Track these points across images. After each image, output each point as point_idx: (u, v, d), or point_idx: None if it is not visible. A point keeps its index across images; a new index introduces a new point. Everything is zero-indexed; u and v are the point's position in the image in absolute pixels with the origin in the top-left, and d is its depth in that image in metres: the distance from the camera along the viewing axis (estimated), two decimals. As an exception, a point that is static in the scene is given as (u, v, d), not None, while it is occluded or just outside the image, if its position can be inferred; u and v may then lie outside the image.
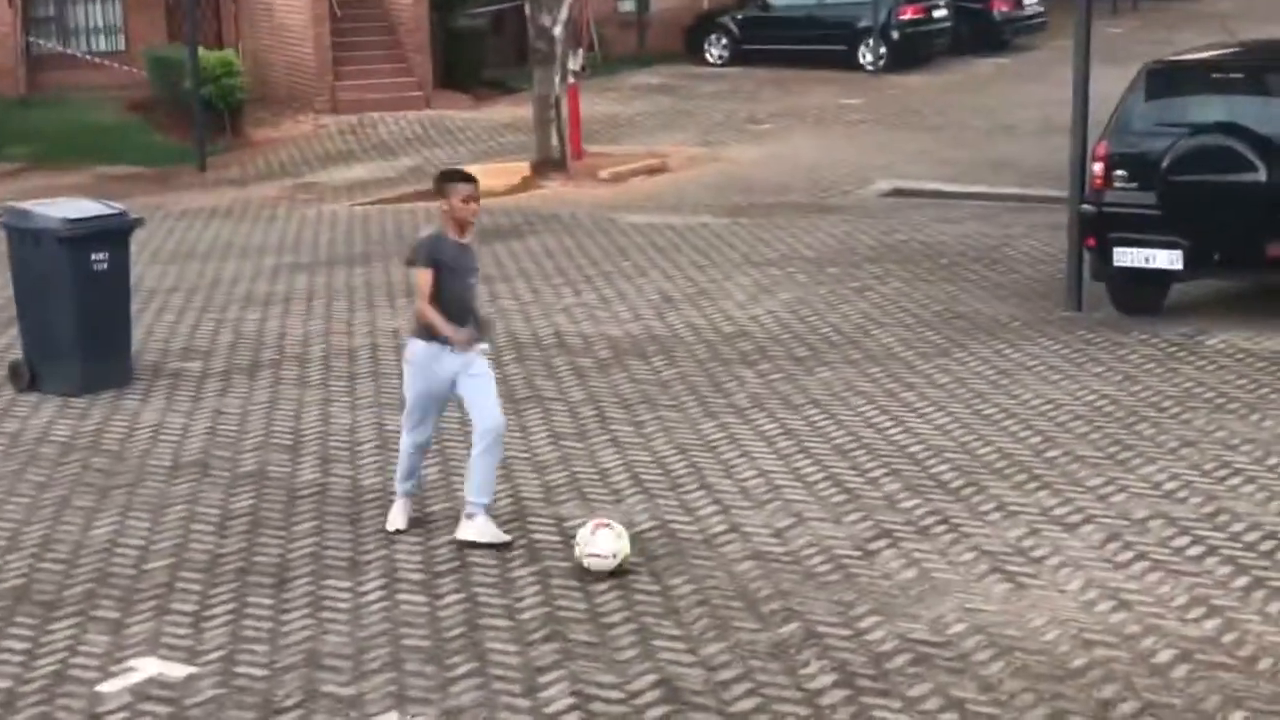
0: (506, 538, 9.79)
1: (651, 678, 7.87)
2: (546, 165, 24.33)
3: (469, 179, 10.14)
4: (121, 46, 31.49)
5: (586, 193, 23.12)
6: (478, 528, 9.73)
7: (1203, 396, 12.33)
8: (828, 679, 7.80)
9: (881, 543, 9.58)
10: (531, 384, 13.25)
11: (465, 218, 9.93)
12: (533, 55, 25.19)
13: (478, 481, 9.78)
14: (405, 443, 10.14)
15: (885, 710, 7.48)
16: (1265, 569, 9.06)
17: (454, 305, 9.81)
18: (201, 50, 27.15)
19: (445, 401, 10.20)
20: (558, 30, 24.42)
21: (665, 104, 31.38)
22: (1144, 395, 12.47)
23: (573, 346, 14.45)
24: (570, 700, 7.69)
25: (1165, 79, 14.87)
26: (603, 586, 9.04)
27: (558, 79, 24.52)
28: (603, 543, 9.18)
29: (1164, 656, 7.96)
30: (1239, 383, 12.69)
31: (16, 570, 9.51)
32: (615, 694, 7.72)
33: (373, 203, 23.34)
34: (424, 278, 9.70)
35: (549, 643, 8.36)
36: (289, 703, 7.70)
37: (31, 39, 30.71)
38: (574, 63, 25.27)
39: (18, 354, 13.62)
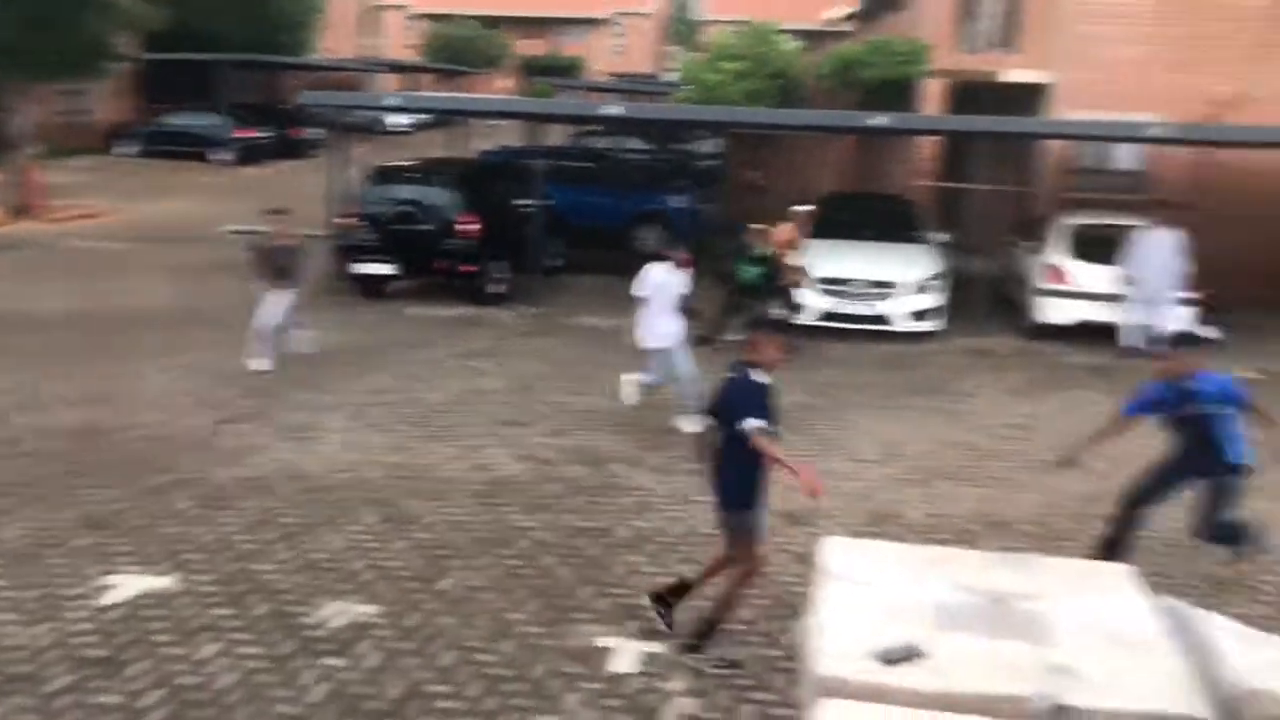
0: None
1: (76, 513, 7.46)
2: (17, 210, 21.65)
3: None
4: None
5: (47, 228, 20.63)
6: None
7: (406, 341, 12.53)
8: (189, 504, 7.66)
9: (225, 426, 9.30)
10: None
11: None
12: (5, 145, 22.33)
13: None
14: None
15: (226, 513, 7.50)
16: (426, 426, 9.48)
17: None
18: None
19: None
20: (16, 131, 21.88)
21: (96, 178, 28.41)
22: (381, 336, 12.60)
23: (36, 317, 13.04)
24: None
25: (382, 174, 15.16)
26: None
27: (21, 159, 21.96)
28: None
29: (375, 474, 8.37)
30: (418, 331, 12.98)
31: None
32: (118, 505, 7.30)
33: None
34: None
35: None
36: None
37: None
38: (32, 149, 22.64)
39: None
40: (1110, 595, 4.33)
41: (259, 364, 10.96)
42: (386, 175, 15.19)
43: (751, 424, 5.36)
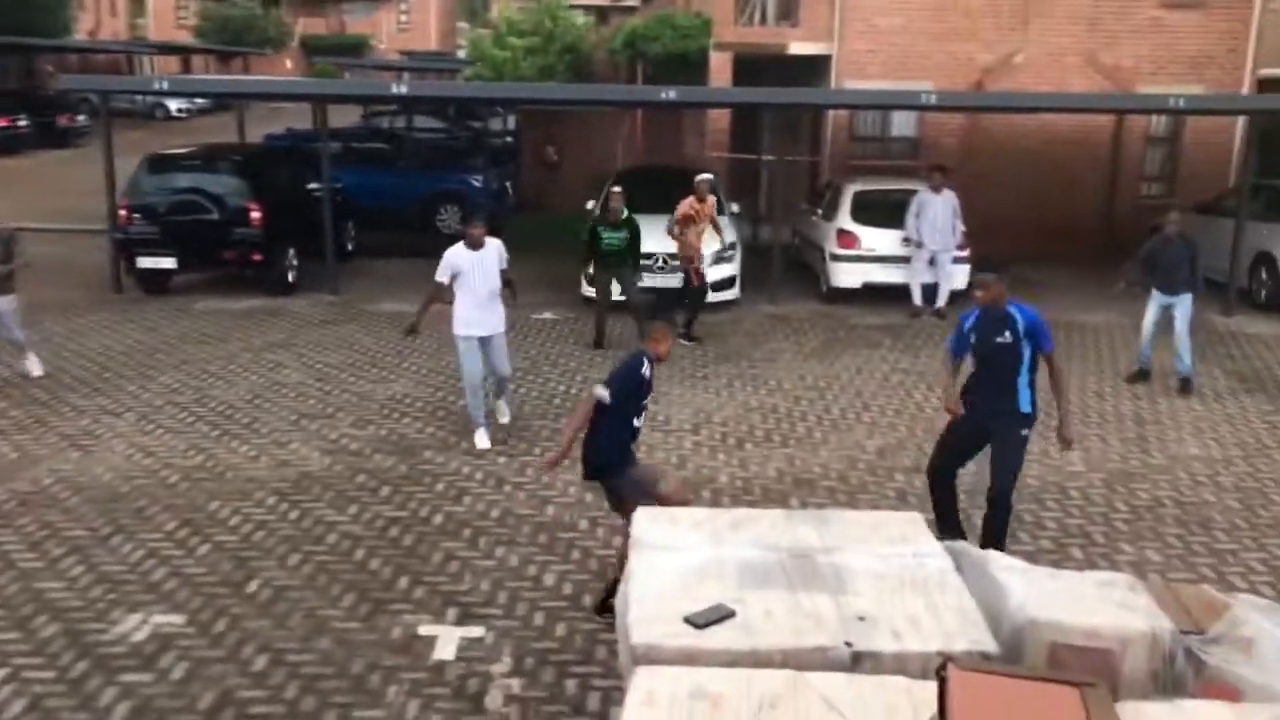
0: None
1: None
2: None
3: None
4: None
5: None
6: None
7: (198, 336, 11.99)
8: (-37, 522, 7.14)
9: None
10: None
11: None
12: None
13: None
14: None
15: (4, 532, 6.99)
16: (225, 425, 9.15)
17: None
18: None
19: None
20: None
21: None
22: (170, 334, 11.93)
23: None
24: None
25: (159, 162, 14.35)
26: None
27: None
28: None
29: (172, 478, 7.99)
30: (210, 326, 12.44)
31: None
32: None
33: None
34: None
35: None
36: None
37: None
38: None
39: None
40: (903, 543, 4.61)
41: (35, 369, 10.31)
42: (163, 164, 14.37)
43: (597, 389, 5.81)
